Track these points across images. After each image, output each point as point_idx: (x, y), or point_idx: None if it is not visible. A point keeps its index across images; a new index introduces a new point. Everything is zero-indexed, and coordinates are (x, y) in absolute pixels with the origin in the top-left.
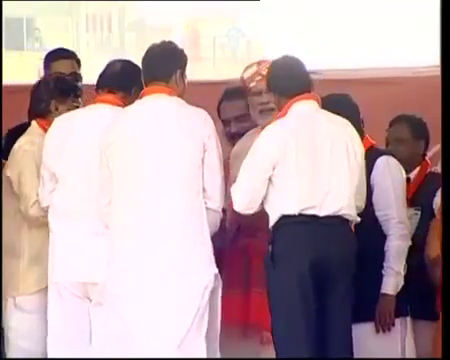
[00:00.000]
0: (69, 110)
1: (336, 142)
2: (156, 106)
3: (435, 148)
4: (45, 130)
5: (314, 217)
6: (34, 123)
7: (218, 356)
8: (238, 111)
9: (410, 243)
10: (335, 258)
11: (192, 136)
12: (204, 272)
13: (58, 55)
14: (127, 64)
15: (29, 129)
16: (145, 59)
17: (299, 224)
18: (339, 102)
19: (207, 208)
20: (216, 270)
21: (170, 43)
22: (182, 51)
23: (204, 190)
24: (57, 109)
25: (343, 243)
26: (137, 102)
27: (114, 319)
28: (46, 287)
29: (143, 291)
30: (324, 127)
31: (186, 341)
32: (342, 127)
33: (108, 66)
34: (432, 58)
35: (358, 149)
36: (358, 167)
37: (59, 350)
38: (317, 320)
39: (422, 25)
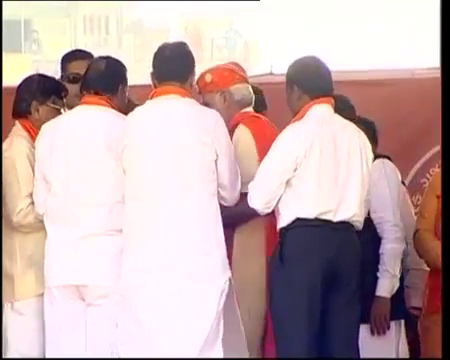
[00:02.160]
0: (51, 112)
1: (352, 148)
2: (169, 107)
3: (435, 148)
4: (28, 131)
5: (327, 222)
6: (17, 124)
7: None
8: None
9: (405, 246)
10: (344, 262)
11: (205, 137)
12: (219, 277)
13: (75, 56)
14: (111, 62)
15: (13, 130)
16: (160, 59)
17: (313, 228)
18: (336, 103)
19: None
20: (230, 274)
21: (184, 44)
22: (192, 53)
23: (219, 190)
24: (38, 111)
25: (352, 248)
26: (149, 102)
27: (128, 323)
28: (43, 291)
29: (158, 296)
30: (341, 132)
31: (206, 346)
32: (356, 133)
33: (92, 66)
34: (428, 60)
35: (369, 156)
36: (368, 175)
37: (57, 352)
38: (321, 321)
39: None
